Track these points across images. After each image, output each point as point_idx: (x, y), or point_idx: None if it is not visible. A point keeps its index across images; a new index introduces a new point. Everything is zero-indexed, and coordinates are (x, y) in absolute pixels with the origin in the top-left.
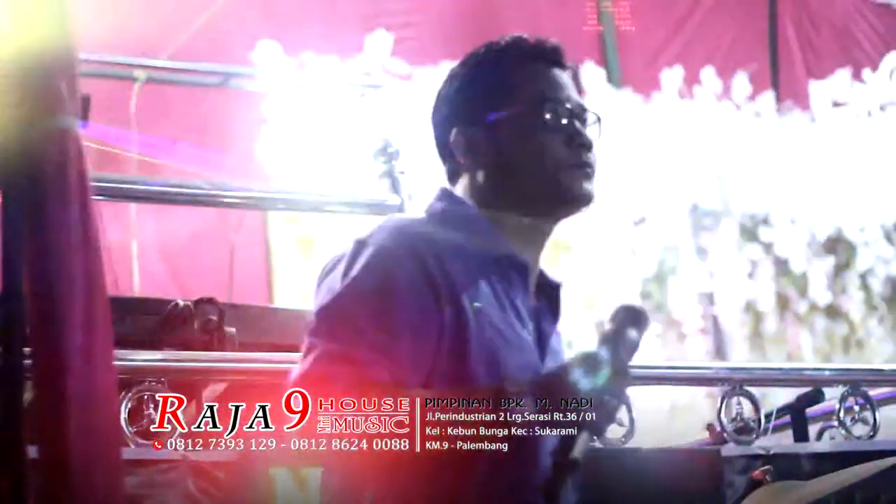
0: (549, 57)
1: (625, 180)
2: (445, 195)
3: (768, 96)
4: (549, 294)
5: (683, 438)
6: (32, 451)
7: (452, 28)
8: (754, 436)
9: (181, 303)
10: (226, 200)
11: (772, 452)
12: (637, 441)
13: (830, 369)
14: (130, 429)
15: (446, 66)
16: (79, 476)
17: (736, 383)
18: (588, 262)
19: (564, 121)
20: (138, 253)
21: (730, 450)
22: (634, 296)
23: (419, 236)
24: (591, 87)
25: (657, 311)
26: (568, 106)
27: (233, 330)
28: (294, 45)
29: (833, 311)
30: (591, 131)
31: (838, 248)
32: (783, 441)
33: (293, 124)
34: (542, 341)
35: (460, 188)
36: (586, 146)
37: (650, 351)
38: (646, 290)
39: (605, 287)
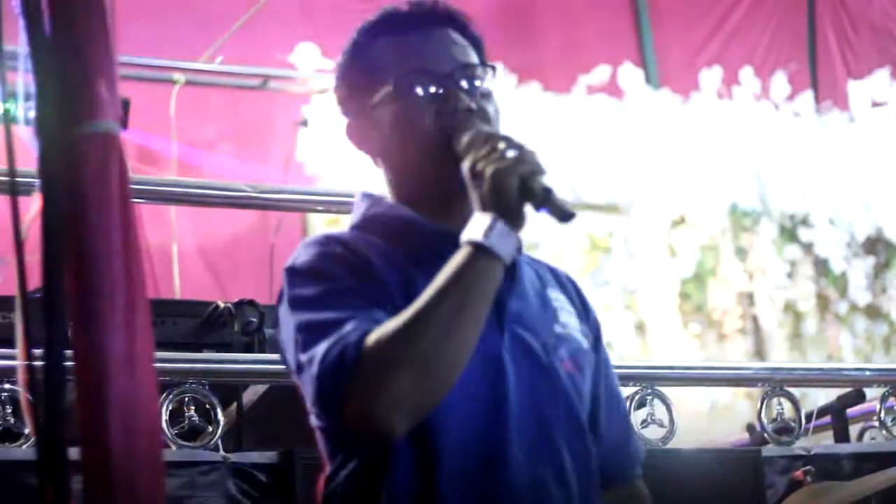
0: (423, 19)
1: (663, 180)
2: (363, 198)
3: (807, 96)
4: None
5: (724, 439)
6: (74, 453)
7: (491, 30)
8: (795, 436)
9: (221, 305)
10: (265, 202)
11: (812, 453)
12: (678, 442)
13: (871, 370)
14: (171, 430)
15: None
16: (120, 478)
17: (776, 384)
18: (627, 263)
19: (433, 89)
20: (179, 255)
21: (770, 450)
22: (673, 296)
23: (339, 242)
24: (629, 88)
25: (696, 312)
26: (435, 70)
27: (273, 332)
28: (333, 47)
29: (873, 312)
30: (483, 87)
31: (878, 248)
32: (824, 441)
33: (332, 126)
34: (500, 310)
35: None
36: (461, 110)
37: (690, 352)
38: (685, 290)
39: (644, 287)
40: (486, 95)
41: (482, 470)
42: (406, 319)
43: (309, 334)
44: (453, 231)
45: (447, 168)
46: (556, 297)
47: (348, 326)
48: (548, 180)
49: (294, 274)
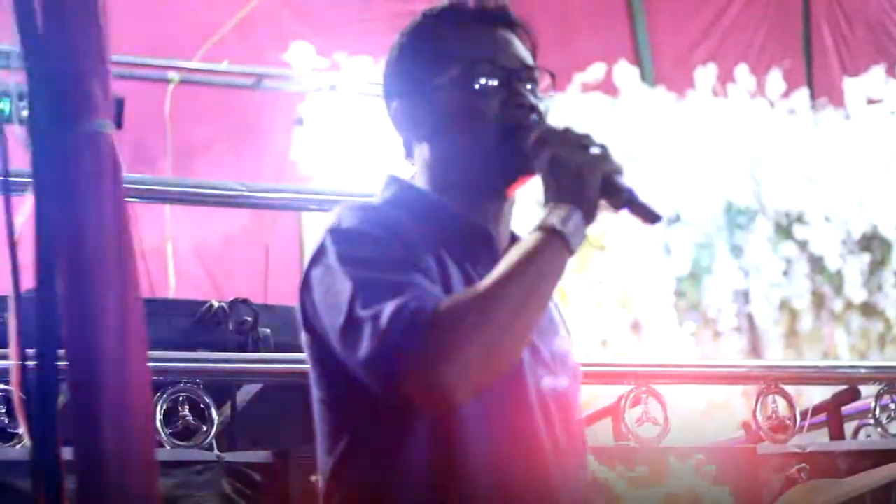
0: (490, 17)
1: (659, 178)
2: (392, 181)
3: (802, 93)
4: None
5: (719, 437)
6: (67, 453)
7: None
8: (790, 434)
9: (216, 304)
10: (260, 201)
11: (807, 450)
12: (673, 440)
13: (866, 367)
14: (166, 430)
15: None
16: (114, 477)
17: (771, 382)
18: (622, 261)
19: (498, 81)
20: (173, 255)
21: (765, 448)
22: (669, 294)
23: (386, 215)
24: (624, 85)
25: (692, 310)
26: (504, 65)
27: (267, 331)
28: (327, 46)
29: (869, 309)
30: (541, 90)
31: (873, 245)
32: (819, 439)
33: (327, 125)
34: None
35: (414, 164)
36: (525, 107)
37: (685, 350)
38: (680, 288)
39: (639, 286)
40: (542, 98)
41: (506, 465)
42: (481, 292)
43: (373, 290)
44: (483, 227)
45: (504, 160)
46: (552, 309)
47: (415, 291)
48: (628, 181)
49: (342, 234)
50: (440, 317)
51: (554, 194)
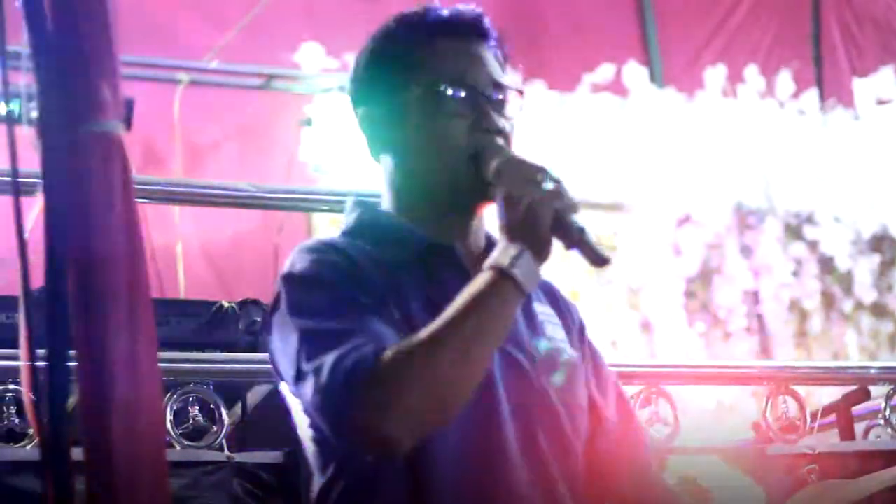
0: (467, 30)
1: (668, 179)
2: (356, 206)
3: (812, 94)
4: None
5: (729, 438)
6: (77, 454)
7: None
8: (800, 435)
9: (226, 304)
10: (269, 202)
11: (817, 451)
12: (683, 440)
13: (876, 368)
14: (176, 430)
15: None
16: (123, 478)
17: (781, 382)
18: (632, 262)
19: (470, 103)
20: (183, 255)
21: (776, 449)
22: (679, 295)
23: (335, 250)
24: (634, 86)
25: (702, 311)
26: (474, 85)
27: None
28: (336, 47)
29: (879, 310)
30: (509, 109)
31: (884, 245)
32: (829, 440)
33: (336, 126)
34: None
35: (380, 168)
36: (491, 131)
37: (695, 350)
38: (690, 289)
39: (649, 287)
40: (512, 117)
41: (474, 487)
42: (425, 338)
43: (315, 342)
44: (447, 245)
45: (467, 183)
46: (542, 311)
47: (359, 338)
48: (581, 219)
49: (293, 281)
50: (381, 367)
51: (506, 232)
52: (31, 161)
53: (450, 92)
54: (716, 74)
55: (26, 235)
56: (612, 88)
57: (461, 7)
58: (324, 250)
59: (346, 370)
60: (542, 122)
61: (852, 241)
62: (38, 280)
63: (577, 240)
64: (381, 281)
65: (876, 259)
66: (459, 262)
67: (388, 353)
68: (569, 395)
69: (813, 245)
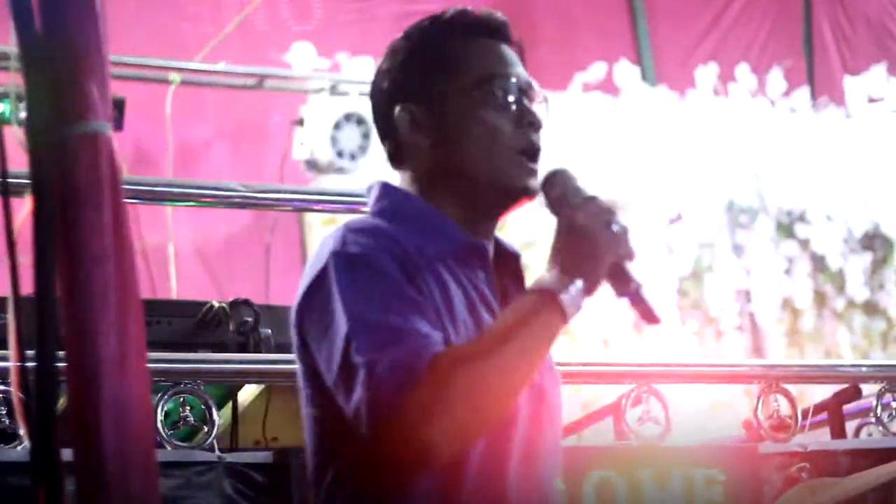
0: (497, 32)
1: (660, 178)
2: (387, 191)
3: (804, 92)
4: (512, 268)
5: (721, 436)
6: (67, 455)
7: None
8: (791, 433)
9: (216, 304)
10: (261, 202)
11: (809, 449)
12: (674, 438)
13: (868, 366)
14: (166, 430)
15: None
16: (114, 479)
17: (773, 381)
18: None
19: (512, 98)
20: (175, 255)
21: (767, 447)
22: (671, 293)
23: (387, 236)
24: (625, 85)
25: (694, 309)
26: (516, 82)
27: (269, 331)
28: (328, 47)
29: (871, 308)
30: (539, 110)
31: (875, 243)
32: (820, 438)
33: (328, 125)
34: None
35: (404, 171)
36: (535, 126)
37: (687, 348)
38: (682, 287)
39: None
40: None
41: (485, 486)
42: (477, 351)
43: (368, 335)
44: (479, 244)
45: (511, 180)
46: None
47: (412, 341)
48: (637, 272)
49: (345, 261)
50: (433, 376)
51: (563, 259)
52: (20, 161)
53: (499, 85)
54: (707, 73)
55: (15, 236)
56: (603, 87)
57: (488, 11)
58: (377, 234)
59: (399, 375)
60: None
61: (844, 239)
62: (27, 280)
63: (632, 292)
64: (427, 274)
65: (868, 257)
66: (489, 264)
67: (441, 362)
68: (557, 398)
69: (805, 243)
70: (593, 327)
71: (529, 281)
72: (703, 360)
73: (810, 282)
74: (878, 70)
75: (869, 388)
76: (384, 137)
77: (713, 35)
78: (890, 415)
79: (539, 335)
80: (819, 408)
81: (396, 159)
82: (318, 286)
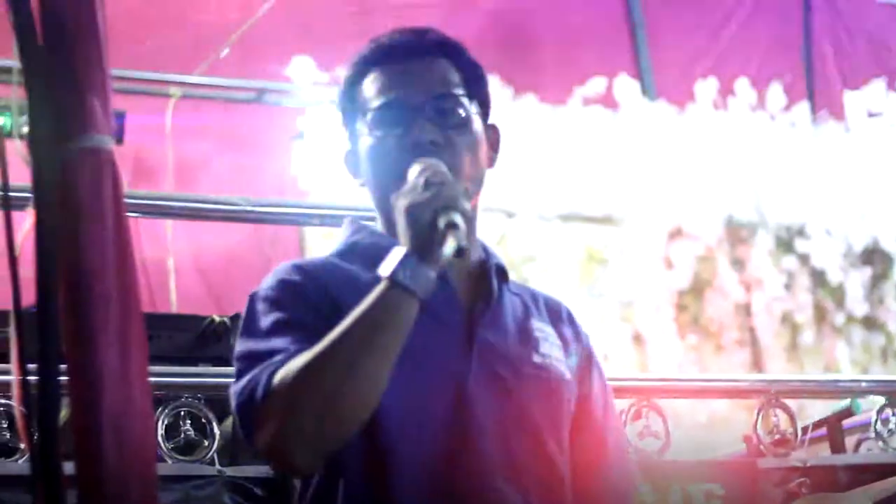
0: (411, 51)
1: (660, 192)
2: (353, 228)
3: (803, 107)
4: (485, 278)
5: (720, 451)
6: (69, 468)
7: (487, 42)
8: (791, 448)
9: (217, 319)
10: (261, 216)
11: (808, 464)
12: (674, 453)
13: (867, 381)
14: (167, 444)
15: None
16: (114, 492)
17: (772, 395)
18: (623, 274)
19: (396, 119)
20: (175, 269)
21: (767, 462)
22: (670, 308)
23: (300, 271)
24: (625, 99)
25: (693, 324)
26: (402, 101)
27: None
28: (327, 61)
29: (870, 323)
30: (454, 117)
31: (875, 258)
32: (820, 453)
33: (328, 139)
34: (470, 339)
35: None
36: (422, 143)
37: (687, 364)
38: (682, 302)
39: (640, 299)
40: (460, 126)
41: (443, 499)
42: (310, 356)
43: (240, 365)
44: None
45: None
46: (541, 328)
47: (262, 360)
48: (459, 217)
49: (251, 301)
50: (272, 391)
51: (400, 240)
52: (22, 175)
53: (382, 114)
54: (707, 87)
55: (17, 250)
56: (603, 101)
57: (404, 28)
58: (289, 272)
59: (245, 396)
60: (534, 135)
61: (844, 253)
62: (29, 294)
63: (443, 235)
64: (354, 301)
65: (867, 272)
66: (447, 280)
67: (278, 376)
68: (556, 411)
69: (804, 258)
70: (593, 342)
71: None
72: (702, 374)
73: (810, 296)
74: (878, 85)
75: (869, 404)
76: None
77: (713, 49)
78: (889, 430)
79: (380, 321)
80: (818, 423)
81: None
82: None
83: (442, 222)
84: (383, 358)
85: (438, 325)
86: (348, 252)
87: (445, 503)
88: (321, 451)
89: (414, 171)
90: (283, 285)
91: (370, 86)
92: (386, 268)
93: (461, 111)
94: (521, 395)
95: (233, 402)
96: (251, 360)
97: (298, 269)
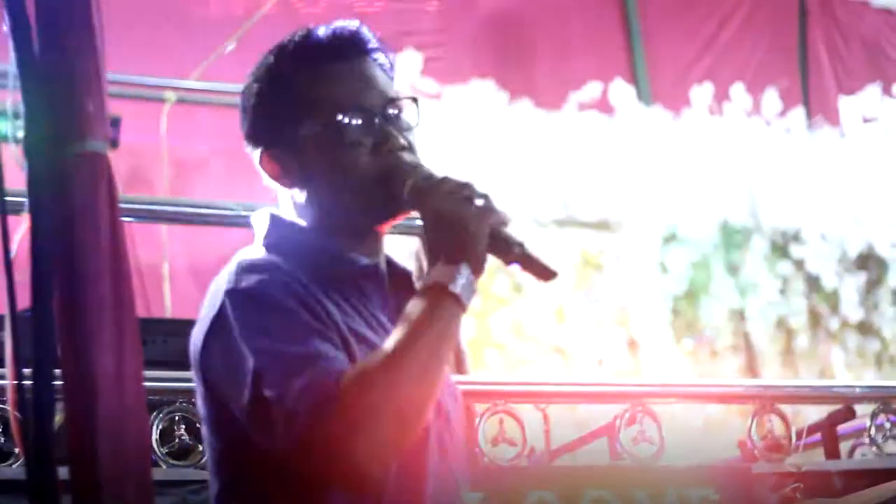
0: (346, 51)
1: (655, 197)
2: (275, 224)
3: (799, 112)
4: (406, 285)
5: (715, 456)
6: (63, 473)
7: (482, 47)
8: (785, 453)
9: None
10: None
11: (803, 470)
12: (668, 458)
13: (862, 387)
14: (161, 449)
15: (476, 85)
16: (109, 497)
17: (767, 401)
18: (619, 280)
19: (367, 127)
20: (170, 274)
21: (761, 467)
22: (665, 313)
23: (280, 270)
24: (620, 104)
25: (688, 329)
26: (370, 108)
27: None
28: None
29: (865, 328)
30: (407, 120)
31: (870, 264)
32: (814, 458)
33: None
34: None
35: (288, 202)
36: (395, 148)
37: (682, 368)
38: (676, 307)
39: (635, 304)
40: (412, 127)
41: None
42: (384, 362)
43: (275, 368)
44: (373, 265)
45: (378, 205)
46: None
47: (319, 364)
48: (518, 233)
49: (241, 298)
50: (347, 394)
51: (441, 250)
52: (17, 180)
53: (347, 121)
54: (702, 92)
55: (12, 254)
56: (598, 106)
57: (337, 25)
58: (269, 268)
59: (310, 399)
60: (529, 140)
61: (839, 259)
62: (24, 298)
63: (518, 255)
64: (326, 302)
65: (862, 277)
66: (383, 285)
67: (352, 379)
68: (458, 418)
69: (799, 263)
70: (587, 347)
71: None
72: (697, 380)
73: (805, 302)
74: (873, 90)
75: (863, 409)
76: (260, 171)
77: (708, 55)
78: (884, 435)
79: (442, 331)
80: (813, 428)
81: (277, 190)
82: (216, 326)
83: (509, 240)
84: (443, 367)
85: (380, 327)
86: (288, 251)
87: None
88: (389, 458)
89: (424, 181)
90: (275, 284)
91: (315, 84)
92: (444, 279)
93: (412, 113)
94: (445, 398)
95: (281, 406)
96: (285, 363)
97: (274, 266)
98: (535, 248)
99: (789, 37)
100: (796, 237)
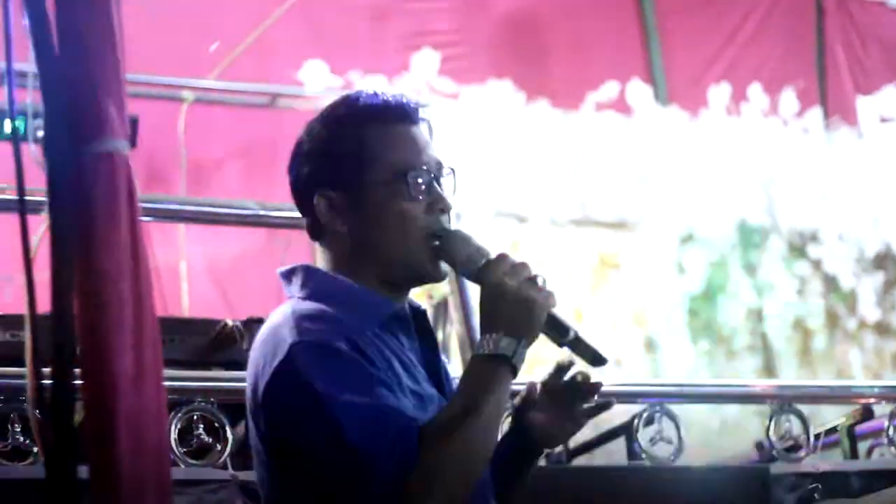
0: (409, 116)
1: (672, 197)
2: (310, 275)
3: (816, 112)
4: (425, 325)
5: (733, 456)
6: (83, 472)
7: (500, 47)
8: (803, 453)
9: (230, 323)
10: (274, 220)
11: (821, 470)
12: (686, 458)
13: (880, 387)
14: (180, 449)
15: (493, 85)
16: (128, 496)
17: (785, 401)
18: (636, 280)
19: (424, 187)
20: (188, 274)
21: (779, 467)
22: (682, 313)
23: (334, 319)
24: (638, 104)
25: (706, 329)
26: (427, 170)
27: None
28: (341, 64)
29: (883, 328)
30: (446, 183)
31: (887, 264)
32: (832, 459)
33: None
34: (438, 380)
35: (323, 246)
36: (445, 209)
37: (699, 369)
38: (694, 307)
39: (653, 304)
40: (452, 195)
41: None
42: (455, 426)
43: (354, 419)
44: (404, 313)
45: (423, 262)
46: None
47: (399, 419)
48: (571, 320)
49: (311, 349)
50: (426, 452)
51: (502, 322)
52: (37, 179)
53: (413, 177)
54: (720, 93)
55: (33, 254)
56: (615, 107)
57: (397, 96)
58: (326, 318)
59: (397, 453)
60: (546, 141)
61: (856, 259)
62: (43, 298)
63: (571, 339)
64: (370, 348)
65: (880, 277)
66: (410, 327)
67: (429, 438)
68: None
69: (817, 263)
70: (604, 348)
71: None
72: (714, 380)
73: (822, 302)
74: (891, 90)
75: (881, 409)
76: (303, 213)
77: (726, 55)
78: None
79: (501, 399)
80: (831, 429)
81: (315, 234)
82: (284, 377)
83: (567, 326)
84: (497, 431)
85: (415, 369)
86: (329, 298)
87: None
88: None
89: (507, 259)
90: (337, 335)
91: (383, 139)
92: (506, 351)
93: (452, 181)
94: None
95: (363, 459)
96: (370, 414)
97: (332, 317)
98: (586, 334)
99: (806, 37)
100: (814, 237)
